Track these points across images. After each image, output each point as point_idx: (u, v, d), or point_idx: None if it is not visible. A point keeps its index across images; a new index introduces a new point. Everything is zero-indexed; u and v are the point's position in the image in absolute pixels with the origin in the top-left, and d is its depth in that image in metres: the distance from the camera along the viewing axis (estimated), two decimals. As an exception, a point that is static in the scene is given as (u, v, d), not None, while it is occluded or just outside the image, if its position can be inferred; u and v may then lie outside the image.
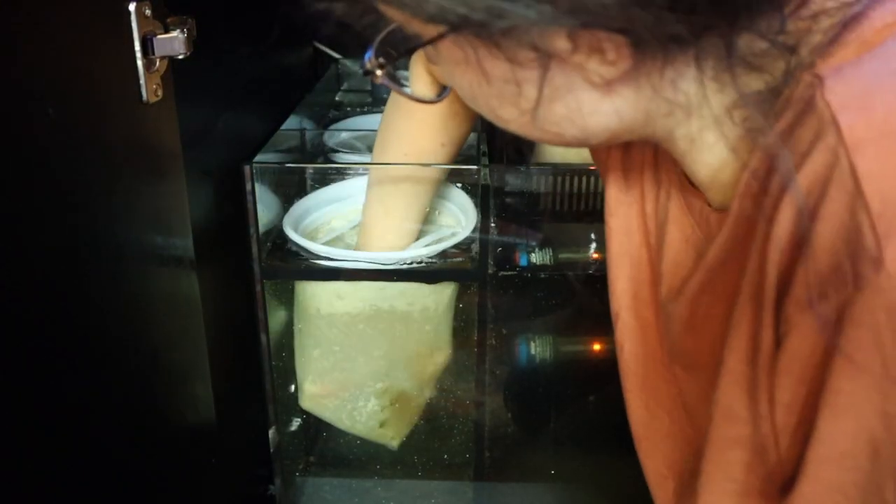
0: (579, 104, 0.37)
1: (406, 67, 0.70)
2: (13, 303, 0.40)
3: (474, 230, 0.83)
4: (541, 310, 0.89)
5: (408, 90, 0.52)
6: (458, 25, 0.33)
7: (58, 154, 0.44)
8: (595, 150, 0.57)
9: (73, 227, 0.46)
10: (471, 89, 0.39)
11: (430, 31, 0.35)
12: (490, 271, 0.83)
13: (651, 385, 0.51)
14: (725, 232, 0.39)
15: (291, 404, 0.96)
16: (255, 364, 0.87)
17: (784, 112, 0.34)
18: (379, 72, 0.41)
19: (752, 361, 0.35)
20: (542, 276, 0.85)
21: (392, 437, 0.93)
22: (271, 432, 0.91)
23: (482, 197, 0.82)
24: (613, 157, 0.52)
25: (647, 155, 0.49)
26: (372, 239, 0.81)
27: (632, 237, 0.52)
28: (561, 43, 0.34)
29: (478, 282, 0.84)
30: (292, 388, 0.95)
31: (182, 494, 0.64)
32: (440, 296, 0.84)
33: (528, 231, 0.88)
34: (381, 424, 0.91)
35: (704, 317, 0.43)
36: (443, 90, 0.48)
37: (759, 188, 0.35)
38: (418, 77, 0.68)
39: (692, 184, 0.44)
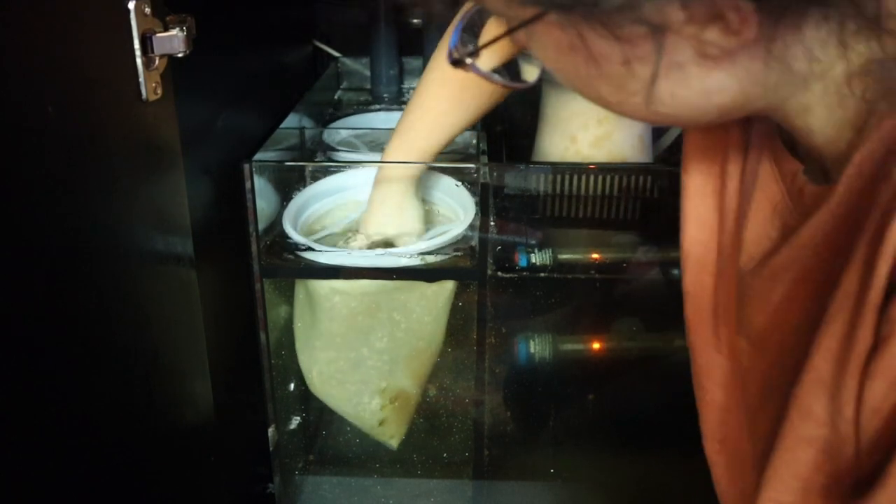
0: (695, 80, 0.34)
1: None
2: (12, 302, 0.40)
3: (472, 227, 0.83)
4: (540, 309, 0.89)
5: (497, 77, 0.50)
6: (562, 5, 0.31)
7: (57, 152, 0.44)
8: None
9: (72, 226, 0.46)
10: (575, 72, 0.36)
11: (525, 12, 0.33)
12: (489, 272, 0.83)
13: (703, 357, 0.49)
14: (826, 212, 0.36)
15: (291, 403, 0.96)
16: (254, 362, 0.87)
17: None
18: (469, 60, 0.38)
19: (841, 361, 0.33)
20: (542, 276, 0.85)
21: (391, 437, 0.93)
22: (270, 431, 0.91)
23: (482, 195, 0.82)
24: None
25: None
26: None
27: (707, 200, 0.48)
28: (674, 14, 0.31)
29: (477, 281, 0.84)
30: (291, 386, 0.95)
31: (181, 493, 0.64)
32: (441, 286, 0.85)
33: (528, 231, 0.87)
34: (381, 423, 0.91)
35: (784, 296, 0.41)
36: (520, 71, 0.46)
37: (875, 171, 0.32)
38: (492, 57, 0.65)
39: (790, 149, 0.41)
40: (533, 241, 0.87)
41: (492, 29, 0.38)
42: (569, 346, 0.92)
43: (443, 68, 0.78)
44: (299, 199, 0.88)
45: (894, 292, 0.30)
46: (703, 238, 0.49)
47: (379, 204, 0.83)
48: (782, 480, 0.36)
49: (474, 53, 0.38)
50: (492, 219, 0.83)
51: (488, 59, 0.64)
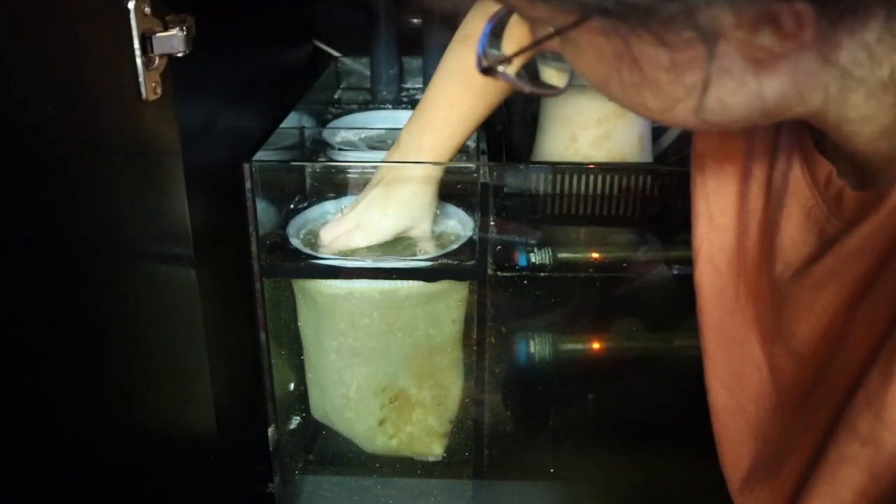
0: (747, 86, 0.32)
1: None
2: (10, 303, 0.40)
3: (473, 229, 0.83)
4: (540, 309, 0.89)
5: (528, 85, 0.46)
6: (614, 13, 0.29)
7: (56, 152, 0.44)
8: None
9: (71, 226, 0.46)
10: (617, 79, 0.34)
11: (567, 18, 0.31)
12: (490, 271, 0.83)
13: (733, 366, 0.48)
14: (875, 220, 0.34)
15: (291, 403, 0.96)
16: (254, 362, 0.87)
17: None
18: (501, 67, 0.37)
19: (889, 375, 0.32)
20: (542, 275, 0.85)
21: (391, 437, 0.93)
22: (270, 430, 0.91)
23: (481, 196, 0.82)
24: None
25: None
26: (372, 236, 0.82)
27: (722, 201, 0.47)
28: (726, 18, 0.29)
29: (477, 281, 0.84)
30: (291, 386, 0.95)
31: (181, 493, 0.64)
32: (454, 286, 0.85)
33: (528, 230, 0.87)
34: (381, 422, 0.91)
35: (828, 306, 0.39)
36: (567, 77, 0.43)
37: None
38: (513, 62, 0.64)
39: (821, 152, 0.39)
40: (532, 241, 0.87)
41: (516, 32, 0.36)
42: (569, 346, 0.92)
43: (463, 63, 0.76)
44: (303, 216, 0.89)
45: None
46: (714, 237, 0.48)
47: (383, 202, 0.82)
48: (823, 499, 0.35)
49: (506, 61, 0.37)
50: (491, 219, 0.83)
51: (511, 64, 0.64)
